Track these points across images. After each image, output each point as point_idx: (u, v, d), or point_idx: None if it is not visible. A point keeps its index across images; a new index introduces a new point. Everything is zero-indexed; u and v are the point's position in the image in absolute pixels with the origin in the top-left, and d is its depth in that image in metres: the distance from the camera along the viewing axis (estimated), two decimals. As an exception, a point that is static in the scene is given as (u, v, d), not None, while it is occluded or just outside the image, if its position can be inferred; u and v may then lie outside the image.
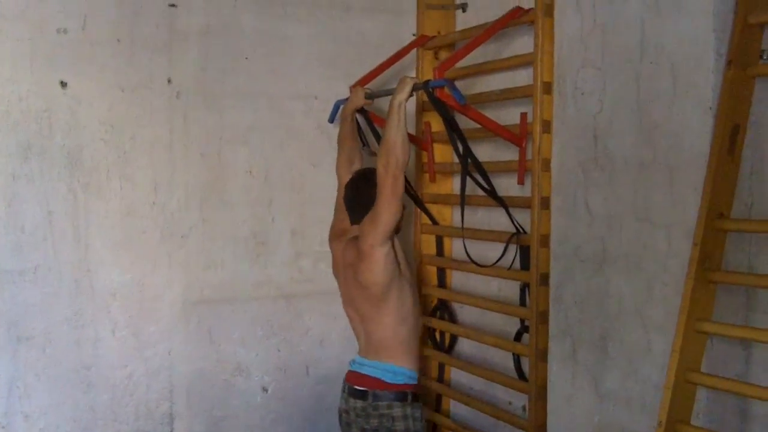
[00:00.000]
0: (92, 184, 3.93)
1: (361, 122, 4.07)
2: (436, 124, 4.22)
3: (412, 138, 4.23)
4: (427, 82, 3.62)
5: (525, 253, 3.72)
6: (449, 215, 4.44)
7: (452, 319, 4.41)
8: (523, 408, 3.92)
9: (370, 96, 3.95)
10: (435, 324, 4.43)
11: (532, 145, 3.64)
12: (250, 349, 4.28)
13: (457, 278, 4.40)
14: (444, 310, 4.43)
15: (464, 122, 3.79)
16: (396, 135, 3.39)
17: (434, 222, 4.38)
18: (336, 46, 4.39)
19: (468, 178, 3.72)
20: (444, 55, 4.35)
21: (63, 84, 3.87)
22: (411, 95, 3.58)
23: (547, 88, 3.56)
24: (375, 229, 3.39)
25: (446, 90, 3.56)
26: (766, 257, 2.82)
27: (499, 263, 3.81)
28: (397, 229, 3.47)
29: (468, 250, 3.85)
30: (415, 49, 4.39)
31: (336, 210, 3.88)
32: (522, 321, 3.84)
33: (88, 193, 3.92)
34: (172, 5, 4.05)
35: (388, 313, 3.50)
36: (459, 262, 4.24)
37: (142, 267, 4.04)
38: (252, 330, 4.27)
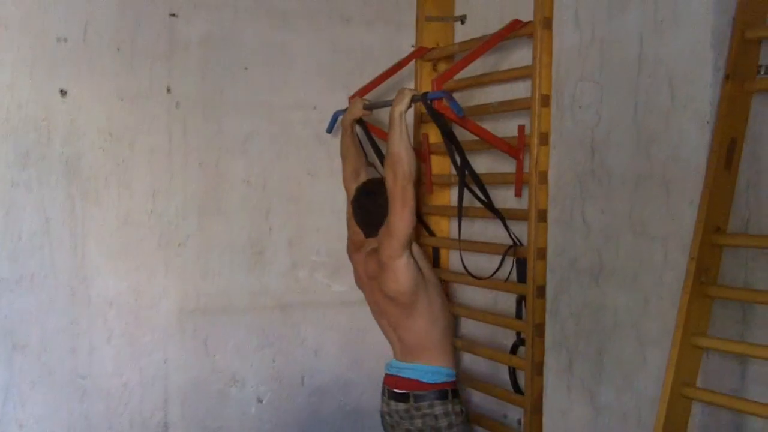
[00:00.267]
0: (90, 192, 3.93)
1: (359, 133, 4.08)
2: (434, 135, 4.22)
3: (410, 149, 4.26)
4: (425, 94, 3.63)
5: (522, 265, 3.72)
6: (446, 227, 4.44)
7: (449, 330, 4.41)
8: (519, 421, 3.91)
9: (369, 107, 3.97)
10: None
11: (529, 157, 3.64)
12: (245, 359, 4.27)
13: (453, 290, 4.40)
14: (440, 322, 4.42)
15: (462, 134, 3.80)
16: (400, 146, 3.45)
17: (431, 233, 4.38)
18: (335, 56, 4.40)
19: (465, 190, 3.74)
20: (442, 66, 4.36)
21: (62, 92, 3.88)
22: (410, 107, 3.62)
23: (545, 100, 3.56)
24: (392, 242, 3.49)
25: (444, 102, 3.57)
26: (763, 272, 2.82)
27: (495, 275, 3.81)
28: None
29: (465, 262, 3.86)
30: (414, 60, 4.41)
31: (349, 223, 3.91)
32: (518, 333, 3.83)
33: (86, 201, 3.92)
34: (173, 15, 4.06)
35: (419, 317, 3.62)
36: (456, 273, 4.23)
37: (138, 275, 4.04)
38: (247, 340, 4.27)
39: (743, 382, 2.88)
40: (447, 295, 4.14)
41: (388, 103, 3.71)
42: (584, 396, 3.34)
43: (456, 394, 3.69)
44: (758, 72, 2.87)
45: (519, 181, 3.78)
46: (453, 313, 4.01)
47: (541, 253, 3.56)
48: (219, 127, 4.18)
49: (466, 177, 3.73)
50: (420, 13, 4.43)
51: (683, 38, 2.93)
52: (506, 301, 3.97)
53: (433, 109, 3.61)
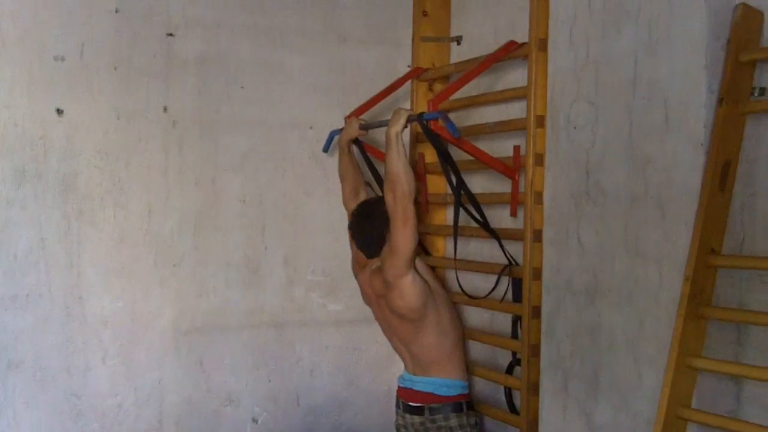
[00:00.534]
0: (86, 210, 3.93)
1: (354, 153, 4.09)
2: (430, 155, 4.23)
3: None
4: (421, 115, 3.65)
5: (517, 285, 3.72)
6: (442, 246, 4.45)
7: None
8: (514, 441, 3.91)
9: (365, 127, 3.98)
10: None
11: (524, 177, 3.66)
12: (241, 379, 4.26)
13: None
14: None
15: (458, 154, 3.81)
16: (398, 166, 3.49)
17: (427, 253, 4.39)
18: (331, 76, 4.42)
19: (461, 210, 3.75)
20: (438, 86, 4.38)
21: (59, 111, 3.88)
22: (405, 127, 3.63)
23: (541, 121, 3.58)
24: (395, 261, 3.55)
25: (440, 122, 3.58)
26: (757, 293, 2.83)
27: (491, 295, 3.82)
28: None
29: (460, 282, 3.86)
30: (410, 80, 4.42)
31: (351, 243, 3.91)
32: (514, 354, 3.83)
33: (81, 219, 3.93)
34: (170, 34, 4.08)
35: (429, 332, 3.67)
36: (451, 293, 4.23)
37: (133, 294, 4.03)
38: (243, 359, 4.26)
39: (738, 404, 2.88)
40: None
41: (384, 123, 3.73)
42: (580, 416, 3.33)
43: (470, 406, 3.73)
44: (752, 94, 2.89)
45: (514, 201, 3.79)
46: (460, 321, 4.01)
47: (537, 273, 3.57)
48: (215, 146, 4.19)
49: (462, 197, 3.74)
50: (416, 33, 4.45)
51: (677, 60, 2.95)
52: (502, 321, 3.98)
53: (429, 130, 3.62)
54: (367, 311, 4.11)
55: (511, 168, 3.78)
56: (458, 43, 4.40)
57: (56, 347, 3.89)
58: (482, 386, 4.15)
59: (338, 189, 4.17)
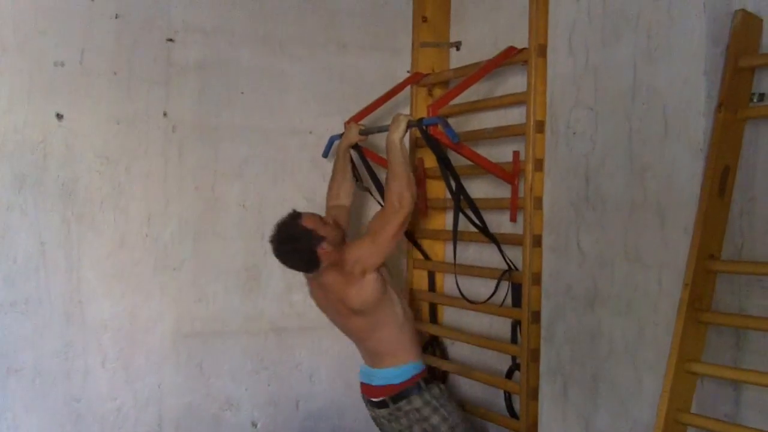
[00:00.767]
0: (86, 215, 3.94)
1: (354, 158, 4.10)
2: (429, 160, 4.24)
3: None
4: (420, 120, 3.66)
5: (517, 290, 3.73)
6: (441, 251, 4.45)
7: (443, 355, 4.41)
8: (514, 446, 3.91)
9: (365, 132, 3.99)
10: (426, 360, 4.42)
11: (524, 183, 3.67)
12: (240, 384, 4.26)
13: (448, 314, 4.41)
14: (435, 346, 4.43)
15: (457, 158, 3.82)
16: (406, 170, 3.56)
17: (426, 257, 4.40)
18: (331, 82, 4.43)
19: (460, 215, 3.75)
20: (438, 92, 4.40)
21: (59, 116, 3.89)
22: (406, 132, 3.64)
23: (540, 127, 3.59)
24: (372, 259, 3.58)
25: (440, 128, 3.59)
26: (757, 298, 2.84)
27: (490, 300, 3.82)
28: None
29: (460, 286, 3.87)
30: (410, 86, 4.43)
31: None
32: (513, 358, 3.84)
33: (81, 224, 3.93)
34: (170, 40, 4.09)
35: (384, 326, 3.69)
36: (451, 298, 4.24)
37: (133, 299, 4.04)
38: (242, 364, 4.26)
39: (737, 408, 2.89)
40: (439, 326, 4.23)
41: (384, 129, 3.74)
42: (579, 422, 3.34)
43: (428, 380, 3.73)
44: (751, 100, 2.90)
45: (514, 207, 3.80)
46: (410, 310, 3.94)
47: (536, 279, 3.58)
48: (215, 151, 4.20)
49: (462, 202, 3.75)
50: (415, 39, 4.46)
51: (676, 67, 2.96)
52: (501, 326, 3.98)
53: (429, 135, 3.63)
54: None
55: (510, 173, 3.79)
56: (457, 49, 4.41)
57: (56, 352, 3.89)
58: (482, 390, 4.16)
59: (338, 195, 4.18)
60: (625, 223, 3.15)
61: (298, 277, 4.31)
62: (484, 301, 3.85)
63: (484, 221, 3.79)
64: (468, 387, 4.28)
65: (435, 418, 3.68)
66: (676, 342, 2.78)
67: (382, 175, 3.92)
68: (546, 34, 3.57)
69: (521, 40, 3.78)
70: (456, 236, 3.79)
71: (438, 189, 4.34)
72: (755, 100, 2.89)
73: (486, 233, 3.80)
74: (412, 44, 4.49)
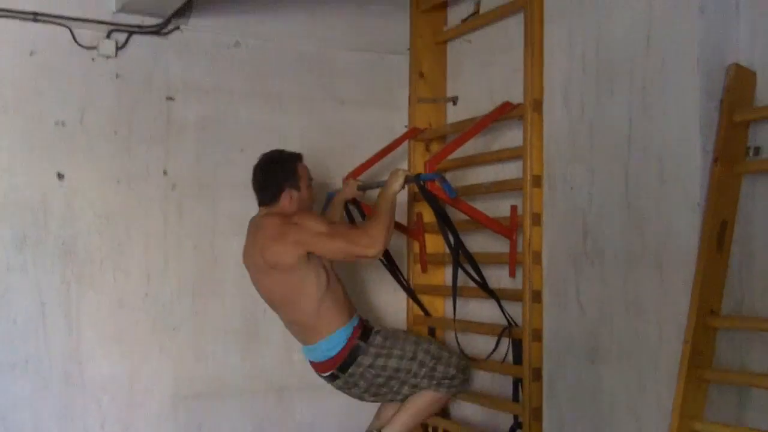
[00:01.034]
0: (86, 275, 3.94)
1: (353, 212, 4.10)
2: (428, 214, 4.24)
3: (403, 228, 4.29)
4: (418, 176, 3.67)
5: (517, 346, 3.70)
6: (441, 306, 4.43)
7: (445, 414, 4.35)
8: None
9: (363, 187, 3.99)
10: (427, 419, 4.37)
11: (522, 237, 3.66)
12: (240, 445, 4.22)
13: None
14: (437, 403, 4.38)
15: (455, 213, 3.82)
16: (390, 221, 3.55)
17: (426, 313, 4.37)
18: (329, 137, 4.45)
19: (459, 270, 3.74)
20: (435, 146, 4.41)
21: (60, 175, 3.91)
22: (403, 187, 3.65)
23: (537, 181, 3.59)
24: (314, 244, 3.52)
25: (437, 183, 3.59)
26: (758, 354, 2.82)
27: (491, 357, 3.79)
28: None
29: (460, 343, 3.84)
30: (407, 140, 4.45)
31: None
32: (515, 417, 3.79)
33: (81, 284, 3.93)
34: (170, 98, 4.12)
35: (301, 296, 3.61)
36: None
37: (132, 359, 4.01)
38: (242, 425, 4.21)
39: (742, 467, 2.85)
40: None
41: (381, 184, 3.74)
42: (583, 480, 3.29)
43: (365, 334, 3.66)
44: (747, 154, 2.91)
45: (513, 261, 3.78)
46: (337, 278, 3.79)
47: (537, 334, 3.55)
48: (214, 209, 4.21)
49: (460, 257, 3.74)
50: (413, 94, 4.49)
51: (671, 121, 2.97)
52: (503, 383, 3.94)
53: (427, 190, 3.64)
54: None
55: (508, 228, 3.78)
56: (454, 104, 4.43)
57: (55, 414, 3.86)
58: (484, 449, 4.11)
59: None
60: (625, 277, 3.13)
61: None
62: (485, 358, 3.82)
63: (483, 276, 3.78)
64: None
65: (392, 362, 3.64)
66: (678, 399, 2.75)
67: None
68: (541, 89, 3.59)
69: (517, 95, 3.80)
70: (455, 292, 3.78)
71: (437, 244, 4.33)
72: (751, 154, 2.90)
73: (485, 289, 3.78)
74: (409, 100, 4.51)
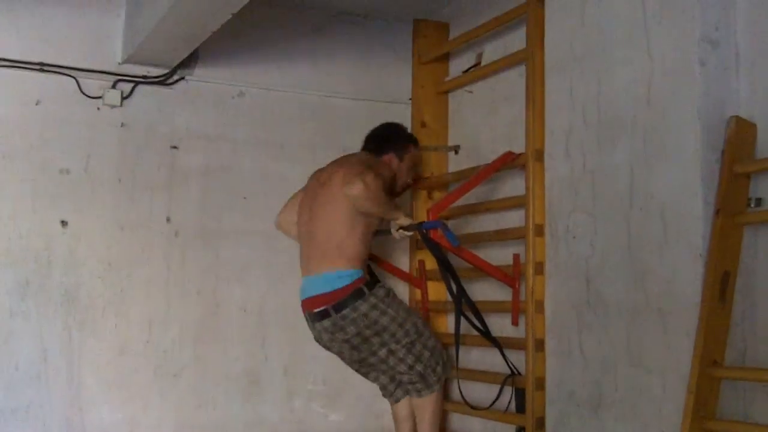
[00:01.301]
0: (88, 321, 3.95)
1: None
2: (430, 262, 4.25)
3: (406, 276, 4.30)
4: (421, 224, 3.69)
5: (520, 395, 3.70)
6: (444, 354, 4.42)
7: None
8: None
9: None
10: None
11: (525, 286, 3.67)
12: (242, 495, 4.19)
13: (452, 420, 4.35)
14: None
15: (458, 261, 3.84)
16: (381, 209, 3.63)
17: (429, 361, 4.36)
18: (332, 185, 4.48)
19: (462, 318, 3.75)
20: (437, 195, 4.44)
21: (63, 223, 3.93)
22: (406, 231, 3.67)
23: (539, 230, 3.62)
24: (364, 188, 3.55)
25: (440, 231, 3.62)
26: (761, 404, 2.82)
27: (494, 406, 3.78)
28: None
29: (462, 391, 3.84)
30: (409, 188, 4.48)
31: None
32: (519, 466, 3.78)
33: (83, 330, 3.94)
34: (174, 147, 4.16)
35: (352, 228, 3.64)
36: (454, 403, 4.19)
37: (133, 406, 4.01)
38: (243, 472, 4.20)
39: None
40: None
41: (384, 232, 3.79)
42: None
43: (370, 284, 3.66)
44: (748, 205, 2.93)
45: (515, 310, 3.80)
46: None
47: (540, 384, 3.55)
48: (216, 256, 4.23)
49: (463, 305, 3.75)
50: (415, 143, 4.52)
51: (673, 172, 3.01)
52: (505, 432, 3.93)
53: (429, 239, 3.66)
54: (370, 423, 4.08)
55: (511, 276, 3.80)
56: (456, 152, 4.47)
57: (56, 460, 3.85)
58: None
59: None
60: (627, 327, 3.14)
61: (300, 381, 4.32)
62: (488, 407, 3.81)
63: (485, 324, 3.79)
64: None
65: (384, 320, 3.63)
66: (683, 451, 2.75)
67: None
68: (543, 139, 3.63)
69: (518, 144, 3.83)
70: (458, 340, 3.78)
71: (439, 291, 4.34)
72: (752, 205, 2.93)
73: (488, 337, 3.79)
74: (412, 149, 4.55)
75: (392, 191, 3.89)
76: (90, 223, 3.99)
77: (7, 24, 3.92)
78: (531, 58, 3.70)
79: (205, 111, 4.25)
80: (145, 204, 4.09)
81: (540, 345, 3.56)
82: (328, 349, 3.81)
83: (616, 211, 3.22)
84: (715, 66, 2.96)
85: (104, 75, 4.06)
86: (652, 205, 3.07)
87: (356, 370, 3.89)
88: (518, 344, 3.73)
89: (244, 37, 4.29)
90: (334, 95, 4.53)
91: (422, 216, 4.27)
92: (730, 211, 2.88)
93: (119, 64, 4.09)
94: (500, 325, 3.92)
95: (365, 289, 3.63)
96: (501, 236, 3.97)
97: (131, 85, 4.11)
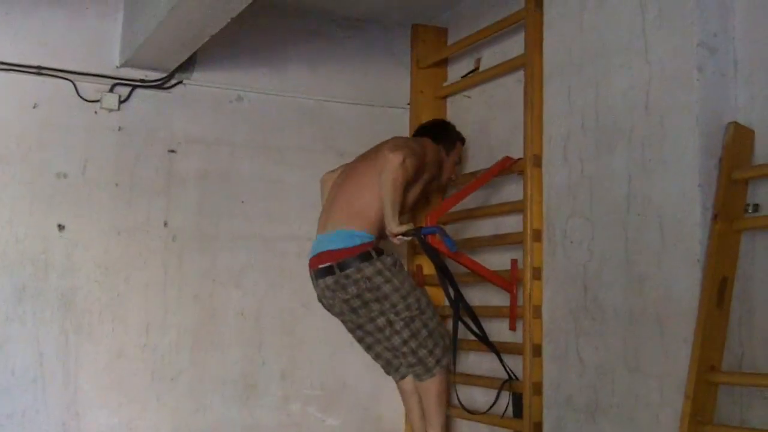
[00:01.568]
0: (84, 325, 3.94)
1: None
2: (428, 267, 4.26)
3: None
4: (419, 229, 3.69)
5: (518, 400, 3.69)
6: (441, 359, 4.42)
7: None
8: None
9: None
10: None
11: (523, 291, 3.67)
12: (237, 499, 4.19)
13: (451, 424, 4.34)
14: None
15: (456, 266, 3.84)
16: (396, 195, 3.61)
17: (426, 366, 4.36)
18: (330, 189, 4.48)
19: (459, 323, 3.75)
20: (436, 200, 4.43)
21: (60, 227, 3.93)
22: (405, 238, 3.66)
23: (537, 235, 3.62)
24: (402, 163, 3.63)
25: (438, 237, 3.62)
26: (759, 410, 2.82)
27: (491, 410, 3.78)
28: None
29: (459, 396, 3.84)
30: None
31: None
32: (516, 471, 3.78)
33: (79, 335, 3.93)
34: (172, 151, 4.16)
35: (376, 194, 3.65)
36: (451, 407, 4.18)
37: (130, 410, 4.00)
38: (239, 476, 4.19)
39: None
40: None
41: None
42: None
43: (380, 252, 3.67)
44: (746, 211, 2.93)
45: (513, 315, 3.80)
46: None
47: (537, 388, 3.55)
48: (214, 260, 4.22)
49: (461, 310, 3.75)
50: (413, 147, 4.52)
51: (671, 178, 3.01)
52: (502, 437, 3.93)
53: (427, 244, 3.66)
54: (367, 427, 4.08)
55: (508, 281, 3.80)
56: (454, 157, 4.47)
57: (52, 465, 3.84)
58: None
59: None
60: (625, 332, 3.14)
61: (296, 386, 4.32)
62: (485, 412, 3.81)
63: (483, 329, 3.79)
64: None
65: (387, 287, 3.63)
66: (680, 457, 2.75)
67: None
68: (541, 145, 3.63)
69: (516, 150, 3.84)
70: (455, 344, 3.78)
71: (437, 296, 4.33)
72: (750, 211, 2.93)
73: (485, 342, 3.79)
74: (410, 153, 4.55)
75: (436, 181, 4.04)
76: (87, 227, 3.98)
77: (4, 27, 3.92)
78: (529, 64, 3.70)
79: (203, 115, 4.25)
80: (142, 208, 4.09)
81: (537, 350, 3.56)
82: (330, 309, 3.82)
83: (614, 217, 3.22)
84: (713, 72, 2.97)
85: (102, 79, 4.06)
86: (650, 210, 3.07)
87: (358, 340, 3.87)
88: (516, 349, 3.73)
89: (243, 41, 4.29)
90: (333, 100, 4.53)
91: (421, 221, 4.28)
92: (728, 216, 2.88)
93: (117, 67, 4.09)
94: (498, 330, 3.92)
95: (373, 253, 3.65)
96: (499, 241, 3.97)
97: (129, 88, 4.11)
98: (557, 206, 3.52)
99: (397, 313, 3.68)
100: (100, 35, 4.08)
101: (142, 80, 4.13)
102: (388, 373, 3.92)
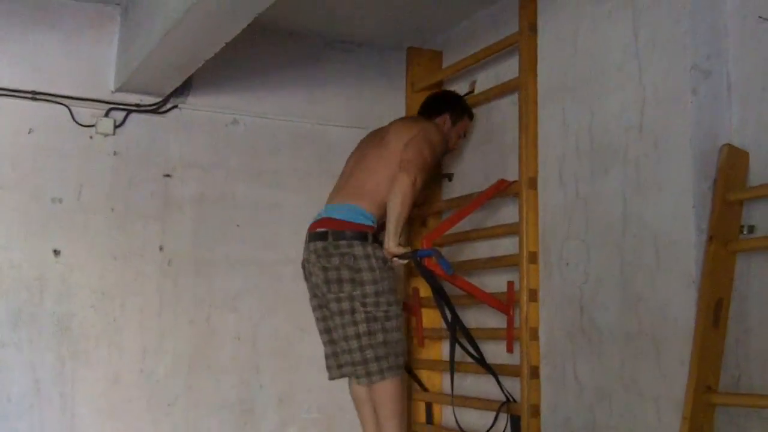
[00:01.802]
0: (80, 351, 3.93)
1: None
2: (424, 289, 4.25)
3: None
4: (415, 252, 3.69)
5: (516, 422, 3.68)
6: (438, 382, 4.41)
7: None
8: None
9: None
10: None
11: (519, 313, 3.67)
12: None
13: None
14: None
15: (452, 288, 3.84)
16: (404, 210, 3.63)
17: (424, 388, 4.35)
18: (325, 213, 4.48)
19: (456, 345, 3.75)
20: (432, 222, 4.45)
21: (56, 252, 3.93)
22: (402, 261, 3.66)
23: (533, 257, 3.62)
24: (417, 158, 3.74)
25: (434, 259, 3.62)
26: (756, 430, 2.82)
27: (488, 433, 3.78)
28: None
29: (458, 418, 3.83)
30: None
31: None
32: (514, 494, 3.76)
33: (76, 360, 3.92)
34: (167, 175, 4.16)
35: (389, 177, 3.68)
36: (449, 430, 4.18)
37: (126, 437, 3.99)
38: (237, 504, 4.17)
39: None
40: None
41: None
42: None
43: (376, 239, 3.65)
44: (741, 232, 2.94)
45: (510, 337, 3.79)
46: None
47: (535, 410, 3.54)
48: (209, 284, 4.22)
49: (457, 332, 3.75)
50: (408, 171, 4.53)
51: (665, 199, 3.02)
52: (500, 459, 3.92)
53: (423, 267, 3.66)
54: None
55: (505, 304, 3.80)
56: (450, 180, 4.48)
57: (47, 493, 3.82)
58: None
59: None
60: (622, 354, 3.15)
61: (294, 410, 4.31)
62: (483, 434, 3.80)
63: (480, 352, 3.78)
64: None
65: (366, 275, 3.59)
66: (678, 479, 2.74)
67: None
68: (536, 167, 3.64)
69: (511, 172, 3.85)
70: (453, 367, 3.78)
71: (434, 318, 4.34)
72: (745, 232, 2.94)
73: (482, 364, 3.78)
74: (405, 176, 4.55)
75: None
76: (83, 252, 3.98)
77: (-1, 52, 3.94)
78: (524, 87, 3.72)
79: (199, 139, 4.26)
80: (138, 233, 4.09)
81: (535, 372, 3.56)
82: (308, 279, 3.77)
83: (609, 239, 3.23)
84: (707, 95, 2.98)
85: (97, 103, 4.07)
86: (645, 232, 3.08)
87: (321, 319, 3.77)
88: (513, 371, 3.72)
89: (238, 65, 4.31)
90: (328, 123, 4.55)
91: (416, 244, 4.28)
92: (723, 238, 2.89)
93: (112, 92, 4.10)
94: (495, 352, 3.91)
95: (370, 237, 3.64)
96: (495, 263, 3.97)
97: (124, 113, 4.12)
98: (553, 228, 3.53)
99: (363, 304, 3.60)
100: (95, 60, 4.10)
101: (137, 105, 4.14)
102: (329, 368, 3.78)
